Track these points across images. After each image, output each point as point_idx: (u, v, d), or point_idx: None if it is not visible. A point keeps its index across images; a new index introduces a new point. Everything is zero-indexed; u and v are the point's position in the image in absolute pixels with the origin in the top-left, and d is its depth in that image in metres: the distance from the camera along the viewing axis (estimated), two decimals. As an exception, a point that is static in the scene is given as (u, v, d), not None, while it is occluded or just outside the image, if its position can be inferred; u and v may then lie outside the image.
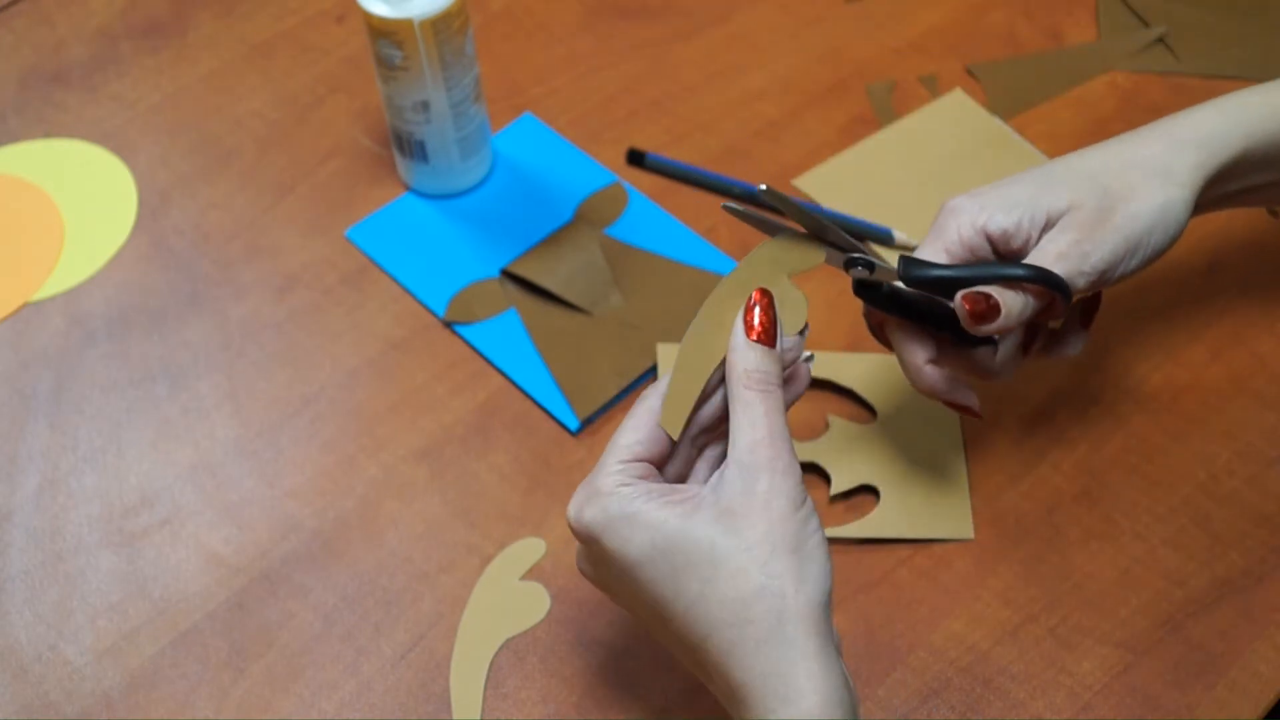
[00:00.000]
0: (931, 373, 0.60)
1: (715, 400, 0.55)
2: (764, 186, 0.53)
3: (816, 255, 0.56)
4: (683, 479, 0.56)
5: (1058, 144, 0.83)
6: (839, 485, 0.68)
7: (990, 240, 0.59)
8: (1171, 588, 0.65)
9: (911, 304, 0.60)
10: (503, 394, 0.73)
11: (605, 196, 0.81)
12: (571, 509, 0.52)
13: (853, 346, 0.74)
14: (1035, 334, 0.63)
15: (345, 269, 0.79)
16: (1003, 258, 0.60)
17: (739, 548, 0.49)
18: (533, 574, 0.66)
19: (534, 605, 0.65)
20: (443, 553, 0.67)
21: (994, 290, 0.56)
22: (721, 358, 0.53)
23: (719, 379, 0.54)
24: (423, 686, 0.63)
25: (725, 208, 0.56)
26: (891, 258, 0.60)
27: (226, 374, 0.74)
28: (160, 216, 0.82)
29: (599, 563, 0.53)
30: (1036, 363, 0.65)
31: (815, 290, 0.75)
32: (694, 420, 0.54)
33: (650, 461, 0.53)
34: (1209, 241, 0.78)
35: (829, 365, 0.72)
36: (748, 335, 0.52)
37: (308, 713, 0.62)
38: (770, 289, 0.54)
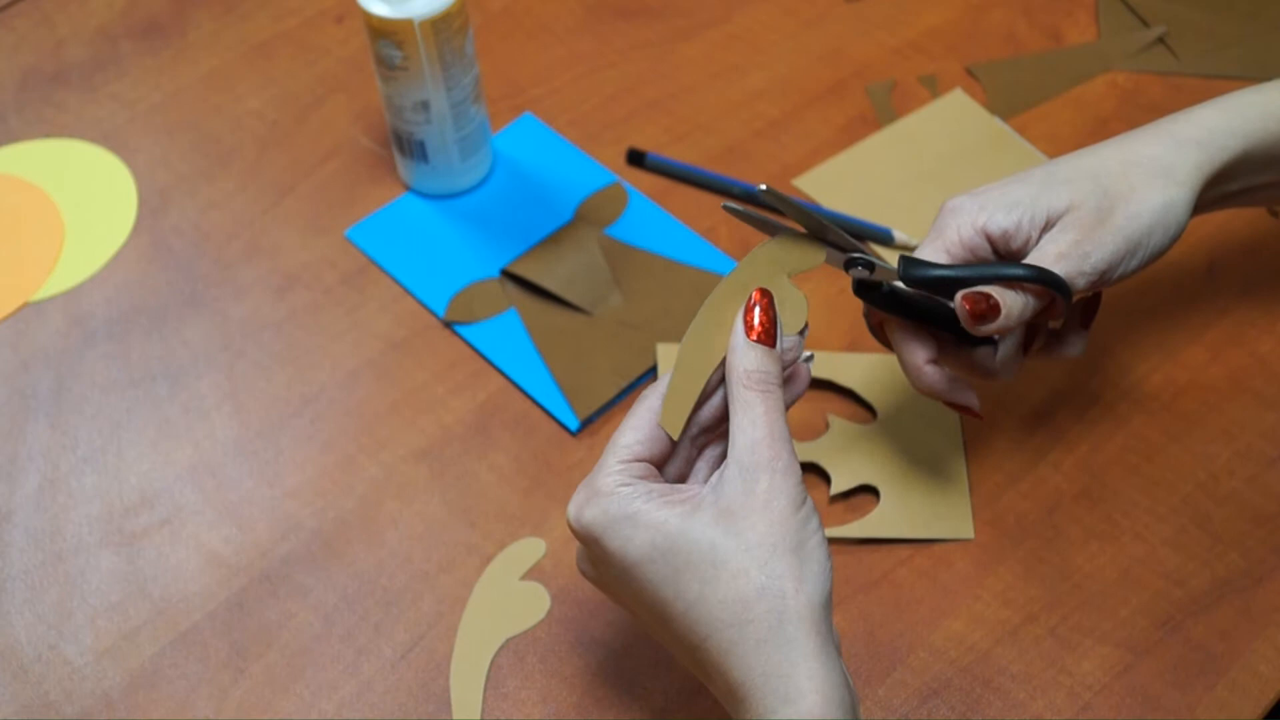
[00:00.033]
0: (931, 373, 0.60)
1: (715, 400, 0.55)
2: (764, 186, 0.53)
3: (816, 255, 0.56)
4: (683, 479, 0.56)
5: (1058, 144, 0.83)
6: (839, 485, 0.68)
7: (990, 240, 0.59)
8: (1171, 588, 0.65)
9: (911, 304, 0.60)
10: (503, 394, 0.73)
11: (605, 196, 0.81)
12: (571, 509, 0.52)
13: (853, 346, 0.74)
14: (1035, 334, 0.63)
15: (345, 269, 0.79)
16: (1003, 258, 0.60)
17: (739, 548, 0.49)
18: (533, 574, 0.66)
19: (534, 605, 0.65)
20: (443, 553, 0.67)
21: (994, 290, 0.56)
22: (721, 358, 0.53)
23: (719, 379, 0.54)
24: (423, 686, 0.63)
25: (725, 208, 0.55)
26: (891, 258, 0.60)
27: (226, 374, 0.74)
28: (160, 216, 0.82)
29: (599, 563, 0.53)
30: (1036, 363, 0.65)
31: (815, 290, 0.76)
32: (694, 420, 0.54)
33: (650, 461, 0.53)
34: (1209, 241, 0.78)
35: (829, 365, 0.72)
36: (748, 335, 0.52)
37: (308, 713, 0.62)
38: (770, 289, 0.54)
